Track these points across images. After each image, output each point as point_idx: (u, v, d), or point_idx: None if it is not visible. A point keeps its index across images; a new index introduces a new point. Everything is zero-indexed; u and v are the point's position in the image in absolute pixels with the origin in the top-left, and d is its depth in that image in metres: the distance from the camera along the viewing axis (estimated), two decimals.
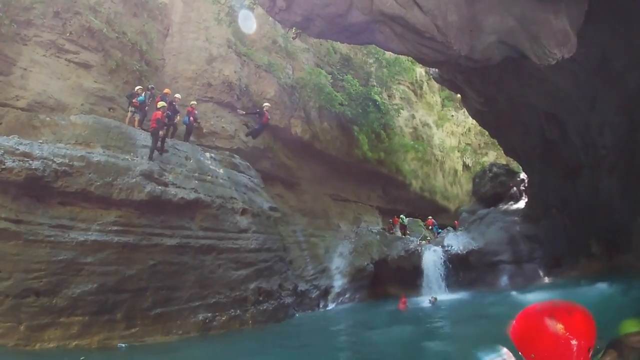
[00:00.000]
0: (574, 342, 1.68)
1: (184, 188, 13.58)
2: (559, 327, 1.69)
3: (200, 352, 11.10)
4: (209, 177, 15.09)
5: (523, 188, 25.43)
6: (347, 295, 21.02)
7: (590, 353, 1.72)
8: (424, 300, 19.37)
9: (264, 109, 18.13)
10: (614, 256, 17.77)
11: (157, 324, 11.81)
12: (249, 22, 19.71)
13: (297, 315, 16.83)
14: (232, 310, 13.66)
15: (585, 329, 1.71)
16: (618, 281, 14.18)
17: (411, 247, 23.97)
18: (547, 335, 1.69)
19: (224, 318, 13.30)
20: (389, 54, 27.47)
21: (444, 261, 22.62)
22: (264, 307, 14.81)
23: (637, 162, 13.11)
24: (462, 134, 38.68)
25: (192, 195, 13.64)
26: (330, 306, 19.79)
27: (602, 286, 14.40)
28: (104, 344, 10.54)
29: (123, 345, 10.66)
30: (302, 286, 18.51)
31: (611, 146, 14.25)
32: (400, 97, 33.50)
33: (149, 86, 16.83)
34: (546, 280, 20.58)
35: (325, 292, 20.23)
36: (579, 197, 18.24)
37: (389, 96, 31.49)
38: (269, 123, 18.81)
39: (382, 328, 14.17)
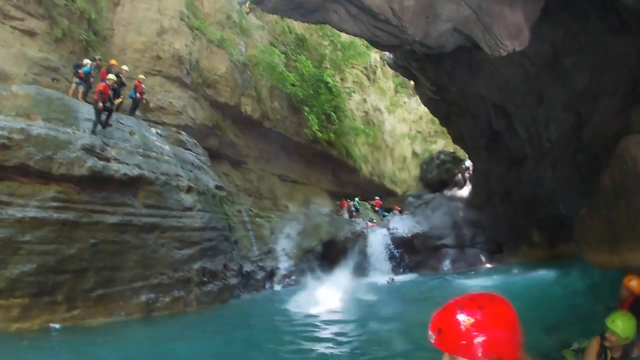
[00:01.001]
0: (479, 339, 1.56)
1: (127, 164, 13.02)
2: (469, 321, 1.58)
3: (142, 334, 10.78)
4: (154, 154, 14.57)
5: (468, 175, 26.12)
6: (293, 277, 21.01)
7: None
8: (378, 281, 19.77)
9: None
10: (555, 245, 18.63)
11: (99, 306, 11.37)
12: None
13: (242, 296, 16.67)
14: (176, 291, 13.33)
15: (497, 323, 1.59)
16: (557, 269, 14.89)
17: (358, 229, 24.26)
18: (457, 331, 1.58)
19: (167, 299, 12.97)
20: (344, 37, 27.38)
21: (389, 244, 23.04)
22: (209, 288, 14.54)
23: (580, 157, 13.61)
24: (413, 121, 39.25)
25: (136, 172, 13.11)
26: (277, 287, 19.73)
27: (541, 272, 15.08)
28: (45, 327, 10.07)
29: (57, 326, 10.18)
30: (248, 267, 18.31)
31: (556, 140, 14.74)
32: (353, 81, 33.57)
33: (96, 57, 16.08)
34: (488, 265, 21.35)
35: (272, 274, 20.14)
36: (521, 187, 18.91)
37: (341, 79, 31.49)
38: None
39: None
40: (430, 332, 1.64)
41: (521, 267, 18.09)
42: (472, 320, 1.58)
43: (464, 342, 1.57)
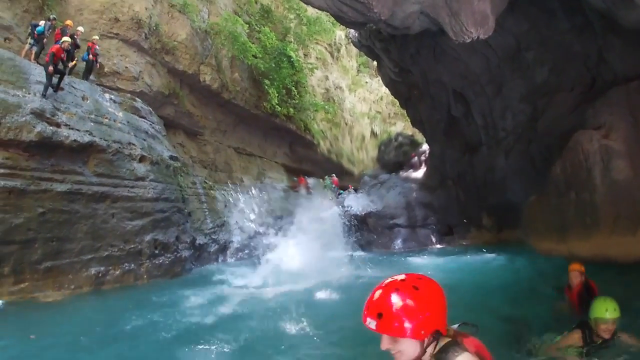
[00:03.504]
0: (414, 321, 1.63)
1: (78, 130, 12.48)
2: (404, 303, 1.64)
3: (92, 308, 10.51)
4: (107, 120, 14.03)
5: (424, 158, 26.58)
6: (246, 251, 20.94)
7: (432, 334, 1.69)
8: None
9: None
10: (503, 230, 19.31)
11: (47, 279, 10.99)
12: None
13: (194, 269, 16.47)
14: (127, 264, 13.03)
15: (431, 301, 1.67)
16: (504, 252, 15.43)
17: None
18: (395, 313, 1.64)
19: (117, 272, 12.67)
20: (311, 12, 26.98)
21: (343, 221, 23.26)
22: (160, 261, 14.29)
23: (532, 147, 14.06)
24: (373, 102, 39.39)
25: (87, 138, 12.59)
26: (230, 260, 19.63)
27: (489, 256, 15.58)
28: None
29: (0, 301, 9.77)
30: (201, 240, 18.09)
31: (511, 129, 15.15)
32: (316, 57, 33.26)
33: (50, 16, 15.19)
34: (438, 246, 21.90)
35: (225, 247, 20.01)
36: (474, 172, 19.41)
37: (305, 55, 31.14)
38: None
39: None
40: (368, 319, 1.66)
41: (470, 249, 18.64)
42: (408, 302, 1.64)
43: (402, 323, 1.63)
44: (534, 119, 13.65)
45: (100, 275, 12.17)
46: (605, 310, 4.52)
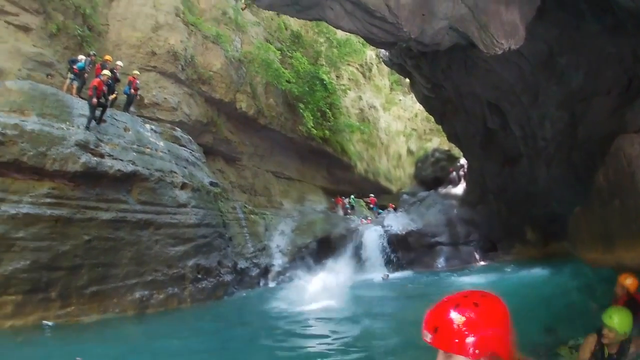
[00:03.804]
0: (472, 337, 1.56)
1: (121, 160, 12.97)
2: (462, 319, 1.58)
3: (136, 331, 10.78)
4: (148, 150, 14.52)
5: (462, 173, 26.20)
6: (287, 274, 21.01)
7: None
8: (374, 278, 19.81)
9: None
10: (548, 243, 18.70)
11: (93, 302, 11.35)
12: None
13: (236, 293, 16.65)
14: (170, 288, 13.33)
15: (491, 321, 1.60)
16: (550, 267, 14.90)
17: (352, 226, 24.30)
18: (452, 329, 1.59)
19: (161, 296, 12.96)
20: (340, 34, 27.34)
21: (384, 241, 23.09)
22: (203, 285, 14.54)
23: (574, 155, 13.67)
24: (408, 119, 39.24)
25: (130, 168, 13.06)
26: (271, 284, 19.72)
27: (534, 270, 15.10)
28: (39, 324, 10.04)
29: (49, 323, 10.14)
30: (242, 264, 18.30)
31: (550, 138, 14.79)
32: (349, 78, 33.54)
33: (90, 52, 15.94)
34: (482, 263, 21.41)
35: (266, 271, 20.14)
36: (516, 185, 18.96)
37: (337, 76, 31.44)
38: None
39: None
40: (425, 331, 1.63)
41: (515, 265, 18.15)
42: (465, 318, 1.58)
43: (458, 340, 1.57)
44: (573, 126, 13.30)
45: (144, 299, 12.46)
46: (610, 317, 4.39)
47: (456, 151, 28.71)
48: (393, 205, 30.60)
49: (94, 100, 12.70)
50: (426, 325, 1.64)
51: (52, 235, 10.82)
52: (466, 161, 24.86)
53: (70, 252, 11.08)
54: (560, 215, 14.96)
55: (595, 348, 4.62)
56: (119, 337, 10.02)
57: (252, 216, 21.73)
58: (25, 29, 14.97)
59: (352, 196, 31.04)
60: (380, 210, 31.11)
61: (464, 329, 1.57)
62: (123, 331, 10.61)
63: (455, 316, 1.59)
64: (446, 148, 31.74)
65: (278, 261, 20.93)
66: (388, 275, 19.62)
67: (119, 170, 12.64)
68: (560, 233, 14.78)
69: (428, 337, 1.62)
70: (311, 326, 11.38)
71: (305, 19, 13.81)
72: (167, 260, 13.53)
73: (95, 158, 12.18)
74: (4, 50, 14.24)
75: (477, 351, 1.57)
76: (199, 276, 14.50)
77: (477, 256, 21.95)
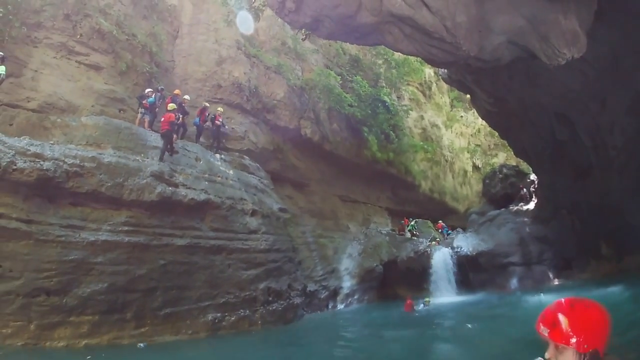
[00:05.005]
0: (573, 339, 1.91)
1: (194, 189, 13.65)
2: (576, 318, 1.93)
3: (210, 352, 11.12)
4: (219, 178, 15.17)
5: (533, 189, 25.29)
6: (355, 297, 21.02)
7: (590, 353, 1.91)
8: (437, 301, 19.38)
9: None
10: (623, 258, 17.64)
11: (166, 324, 11.88)
12: (247, 23, 19.57)
13: (306, 315, 16.84)
14: (242, 311, 13.72)
15: (586, 327, 1.92)
16: (628, 284, 13.89)
17: (420, 248, 23.96)
18: (567, 325, 1.92)
19: (233, 318, 13.36)
20: (397, 55, 27.46)
21: (454, 263, 22.58)
22: (273, 308, 14.86)
23: None
24: (471, 135, 38.51)
25: (202, 196, 13.71)
26: (340, 307, 19.80)
27: (613, 289, 14.15)
28: (113, 343, 10.60)
29: (142, 344, 10.68)
30: (311, 287, 18.53)
31: (621, 147, 14.13)
32: (409, 98, 33.48)
33: (159, 87, 16.92)
34: (556, 282, 20.45)
35: (334, 293, 20.25)
36: (589, 198, 18.12)
37: (398, 97, 31.47)
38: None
39: (390, 329, 14.12)
40: (543, 327, 1.99)
41: (590, 283, 17.10)
42: (579, 318, 1.94)
43: (573, 335, 1.92)
44: None
45: (216, 321, 12.87)
46: None
47: (524, 166, 27.82)
48: (459, 228, 29.67)
49: (175, 135, 13.58)
50: (544, 322, 2.01)
51: (129, 260, 11.49)
52: (536, 176, 24.01)
53: (146, 276, 11.70)
54: (635, 228, 14.17)
55: None
56: (192, 357, 10.38)
57: (320, 240, 22.00)
58: (96, 67, 16.01)
59: (414, 222, 30.38)
60: (450, 232, 30.42)
61: (578, 326, 1.92)
62: (196, 352, 10.97)
63: (572, 315, 1.95)
64: (514, 163, 30.80)
65: (347, 283, 21.01)
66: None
67: (192, 199, 13.30)
68: (635, 246, 14.00)
69: (546, 332, 1.99)
70: (381, 349, 11.32)
71: (364, 45, 14.04)
72: (239, 284, 13.98)
73: (170, 188, 12.89)
74: (77, 88, 15.26)
75: (585, 346, 1.91)
76: (270, 299, 14.84)
77: (551, 275, 21.01)
